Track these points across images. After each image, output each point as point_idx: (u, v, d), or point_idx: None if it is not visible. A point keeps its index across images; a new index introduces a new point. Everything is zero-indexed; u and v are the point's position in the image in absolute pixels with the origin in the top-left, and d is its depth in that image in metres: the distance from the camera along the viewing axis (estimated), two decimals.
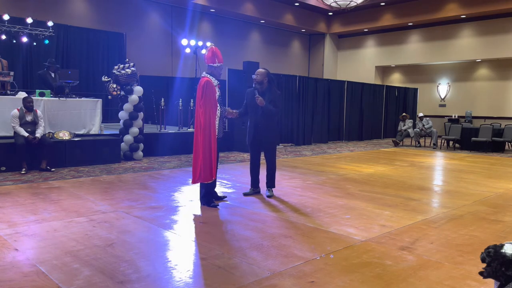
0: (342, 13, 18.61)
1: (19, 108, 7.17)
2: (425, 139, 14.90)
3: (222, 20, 17.22)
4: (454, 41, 17.16)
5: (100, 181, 6.37)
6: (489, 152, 12.05)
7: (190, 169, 5.22)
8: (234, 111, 5.41)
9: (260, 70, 5.53)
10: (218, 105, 5.00)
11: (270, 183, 5.67)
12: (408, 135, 14.01)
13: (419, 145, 13.85)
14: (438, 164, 9.66)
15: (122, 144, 8.64)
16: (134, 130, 8.66)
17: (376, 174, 7.70)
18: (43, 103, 8.11)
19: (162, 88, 13.24)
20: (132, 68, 8.62)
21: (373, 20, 18.60)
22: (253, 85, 5.47)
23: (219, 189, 5.76)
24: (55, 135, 7.82)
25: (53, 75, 9.26)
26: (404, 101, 17.70)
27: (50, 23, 11.04)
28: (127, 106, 8.64)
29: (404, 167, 8.72)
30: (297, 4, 17.88)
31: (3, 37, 10.64)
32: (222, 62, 5.11)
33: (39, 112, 7.41)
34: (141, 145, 8.88)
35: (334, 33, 20.59)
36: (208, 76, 5.02)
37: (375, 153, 11.59)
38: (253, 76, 5.51)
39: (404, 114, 14.72)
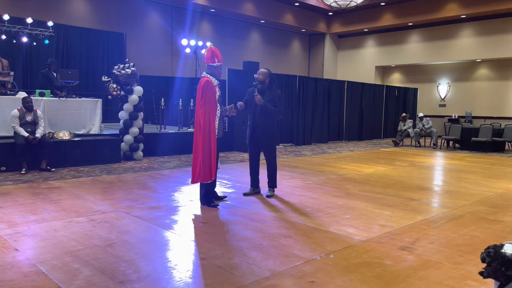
0: (342, 13, 18.61)
1: (19, 108, 7.17)
2: (425, 139, 14.90)
3: (222, 20, 17.22)
4: (454, 41, 17.16)
5: (100, 181, 6.37)
6: (489, 152, 12.05)
7: (190, 169, 5.22)
8: (234, 108, 5.33)
9: (262, 70, 5.55)
10: (218, 105, 5.00)
11: (271, 183, 5.67)
12: (408, 135, 14.01)
13: (419, 145, 13.85)
14: (438, 164, 9.65)
15: (122, 144, 8.64)
16: (134, 130, 8.66)
17: (376, 174, 7.70)
18: (43, 103, 8.12)
19: (162, 88, 13.24)
20: (132, 68, 8.62)
21: (373, 20, 18.60)
22: (254, 84, 5.48)
23: (219, 189, 5.76)
24: (55, 135, 7.82)
25: (55, 74, 9.27)
26: (404, 101, 17.70)
27: (50, 23, 11.04)
28: (127, 106, 8.64)
29: (404, 167, 8.72)
30: (297, 4, 17.88)
31: (3, 37, 10.64)
32: (221, 62, 5.11)
33: (39, 112, 7.41)
34: (141, 145, 8.88)
35: (334, 33, 20.59)
36: (208, 76, 5.02)
37: (375, 153, 11.59)
38: (255, 75, 5.53)
39: (404, 114, 14.70)
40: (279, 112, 5.52)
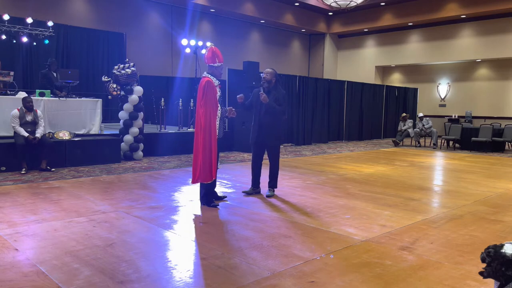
0: (342, 13, 18.60)
1: (19, 108, 7.17)
2: (425, 139, 14.90)
3: (222, 20, 17.22)
4: (454, 41, 17.16)
5: (100, 181, 6.37)
6: (489, 152, 12.05)
7: (190, 169, 5.22)
8: (233, 108, 5.37)
9: (268, 69, 5.59)
10: (218, 105, 5.00)
11: (272, 183, 5.67)
12: (408, 135, 14.01)
13: (419, 145, 13.85)
14: (438, 164, 9.66)
15: (122, 144, 8.64)
16: (134, 130, 8.66)
17: (376, 174, 7.70)
18: (43, 103, 8.12)
19: (162, 88, 13.24)
20: (132, 68, 8.61)
21: (373, 20, 18.60)
22: (261, 83, 5.52)
23: (219, 189, 5.76)
24: (55, 135, 7.82)
25: (55, 74, 9.28)
26: (404, 101, 17.70)
27: (50, 23, 11.04)
28: (127, 106, 8.64)
29: (404, 167, 8.72)
30: (297, 4, 17.87)
31: (3, 37, 10.64)
32: (222, 62, 5.11)
33: (39, 112, 7.41)
34: (141, 145, 8.88)
35: (334, 33, 20.59)
36: (209, 76, 5.02)
37: (375, 153, 11.59)
38: (261, 74, 5.57)
39: (404, 114, 14.69)
40: (283, 112, 5.54)
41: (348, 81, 15.41)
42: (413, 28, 18.26)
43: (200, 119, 4.90)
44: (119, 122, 8.97)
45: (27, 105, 7.14)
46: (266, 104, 5.35)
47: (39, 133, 7.14)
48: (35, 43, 11.41)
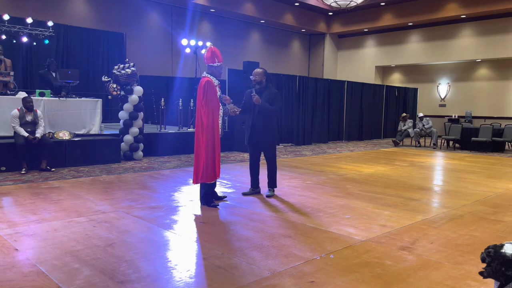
0: (342, 13, 18.60)
1: (19, 108, 7.17)
2: (425, 139, 14.90)
3: (222, 20, 17.22)
4: (454, 41, 17.16)
5: (100, 181, 6.37)
6: (489, 152, 12.05)
7: (190, 169, 5.23)
8: (237, 109, 5.38)
9: (258, 70, 5.55)
10: (220, 104, 5.01)
11: (271, 183, 5.67)
12: (408, 135, 14.01)
13: (419, 145, 13.85)
14: (438, 164, 9.65)
15: (122, 144, 8.64)
16: (134, 130, 8.66)
17: (376, 174, 7.70)
18: (43, 103, 8.12)
19: (162, 88, 13.24)
20: (132, 68, 8.62)
21: (373, 20, 18.60)
22: (252, 85, 5.49)
23: (219, 189, 5.76)
24: (55, 135, 7.82)
25: (54, 74, 9.27)
26: (404, 101, 17.70)
27: (50, 23, 11.04)
28: (127, 106, 8.64)
29: (404, 167, 8.72)
30: (297, 4, 17.87)
31: (3, 37, 10.63)
32: (221, 62, 5.11)
33: (39, 112, 7.41)
34: (141, 145, 8.88)
35: (334, 33, 20.59)
36: (209, 76, 5.02)
37: (375, 153, 11.58)
38: (251, 77, 5.53)
39: (404, 114, 14.69)
40: (276, 111, 5.52)
41: (348, 81, 15.41)
42: (413, 28, 18.26)
43: (202, 119, 4.90)
44: (119, 122, 8.97)
45: (27, 105, 7.14)
46: (258, 105, 5.35)
47: (39, 133, 7.14)
48: (35, 43, 11.41)
